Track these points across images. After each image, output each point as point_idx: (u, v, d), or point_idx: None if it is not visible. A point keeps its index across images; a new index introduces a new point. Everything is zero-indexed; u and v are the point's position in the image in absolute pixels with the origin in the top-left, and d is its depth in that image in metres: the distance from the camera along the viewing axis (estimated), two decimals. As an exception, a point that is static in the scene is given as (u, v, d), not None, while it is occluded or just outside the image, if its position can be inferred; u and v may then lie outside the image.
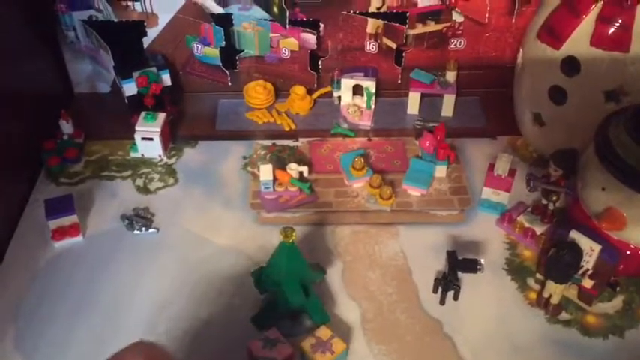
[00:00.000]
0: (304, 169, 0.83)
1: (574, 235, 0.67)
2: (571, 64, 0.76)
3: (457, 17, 0.91)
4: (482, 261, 0.69)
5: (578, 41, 0.74)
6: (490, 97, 0.96)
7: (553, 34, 0.76)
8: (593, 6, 0.73)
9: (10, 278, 0.73)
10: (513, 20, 0.91)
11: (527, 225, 0.77)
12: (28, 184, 0.84)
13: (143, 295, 0.72)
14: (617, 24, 0.72)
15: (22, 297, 0.71)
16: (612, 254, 0.67)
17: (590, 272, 0.68)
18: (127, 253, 0.76)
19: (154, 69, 0.92)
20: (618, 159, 0.66)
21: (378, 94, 0.95)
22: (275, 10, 0.87)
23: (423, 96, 0.95)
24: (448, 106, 0.94)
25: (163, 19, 0.92)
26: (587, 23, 0.73)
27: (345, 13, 0.91)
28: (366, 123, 0.94)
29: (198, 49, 0.94)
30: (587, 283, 0.67)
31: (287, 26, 0.89)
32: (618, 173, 0.66)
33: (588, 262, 0.67)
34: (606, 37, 0.72)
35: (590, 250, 0.66)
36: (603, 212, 0.68)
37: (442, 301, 0.70)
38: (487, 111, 0.96)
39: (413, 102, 0.94)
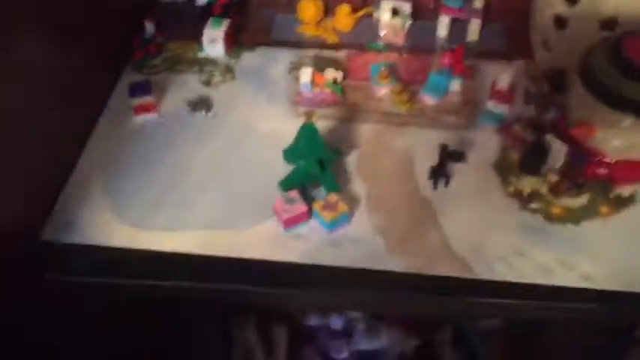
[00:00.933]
0: (339, 75, 0.99)
1: (548, 137, 0.80)
2: (572, -5, 0.87)
3: (486, -48, 1.02)
4: (464, 158, 0.84)
5: (580, -27, 0.85)
6: (514, 24, 1.05)
7: (559, -32, 0.87)
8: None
9: (101, 139, 0.94)
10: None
11: (519, 133, 0.90)
12: (118, 71, 1.03)
13: (199, 160, 0.90)
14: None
15: (109, 154, 0.91)
16: (579, 156, 0.80)
17: (559, 170, 0.81)
18: (190, 129, 0.95)
19: (223, -17, 1.10)
20: (596, 79, 0.78)
21: (413, 16, 1.08)
22: None
23: (453, 20, 1.07)
24: (474, 30, 1.05)
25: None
26: (587, -41, 0.84)
27: (387, -59, 1.04)
28: (399, 41, 1.07)
29: (261, -31, 1.10)
30: (552, 178, 0.80)
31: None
32: (594, 90, 0.78)
33: (558, 161, 0.80)
34: (603, -28, 0.83)
35: (559, 150, 0.80)
36: (578, 122, 0.80)
37: (434, 186, 0.86)
38: (509, 36, 1.06)
39: (442, 25, 1.06)
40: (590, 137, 0.78)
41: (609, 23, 0.84)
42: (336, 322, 1.32)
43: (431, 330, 1.31)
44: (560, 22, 0.88)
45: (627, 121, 0.76)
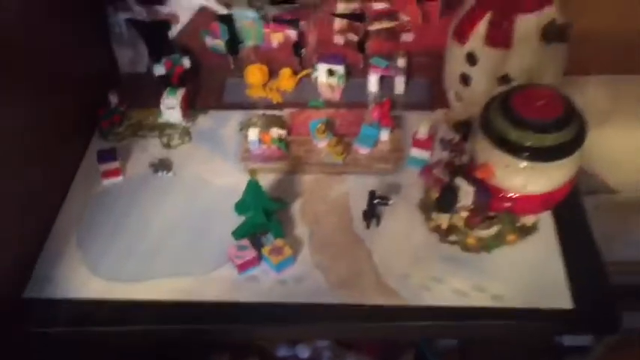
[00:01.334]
0: (283, 132, 1.12)
1: (457, 181, 0.94)
2: (472, 57, 1.02)
3: (404, 17, 1.17)
4: (391, 200, 0.97)
5: (476, 40, 1.00)
6: (435, 78, 1.19)
7: (460, 34, 1.02)
8: (486, 15, 0.98)
9: (74, 201, 1.05)
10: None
11: (438, 175, 1.03)
12: (87, 140, 1.15)
13: (161, 218, 1.02)
14: (502, 28, 0.97)
15: (81, 214, 1.03)
16: (483, 194, 0.94)
17: (470, 207, 0.95)
18: (153, 189, 1.07)
19: (178, 55, 1.21)
20: (490, 127, 0.92)
21: (347, 75, 1.23)
22: (262, 13, 1.16)
23: (381, 77, 1.21)
24: (399, 85, 1.20)
25: (184, 19, 1.20)
26: (481, 27, 0.99)
27: (318, 13, 1.18)
28: (336, 97, 1.21)
29: (209, 41, 1.23)
30: (464, 213, 0.94)
31: (270, 26, 1.18)
32: (490, 138, 0.92)
33: (466, 200, 0.94)
34: (494, 38, 0.98)
35: (467, 191, 0.94)
36: (480, 165, 0.94)
37: (367, 226, 0.99)
38: (432, 89, 1.20)
39: (372, 82, 1.20)
40: (491, 178, 0.92)
41: (504, 79, 0.99)
42: (303, 352, 1.43)
43: (395, 354, 1.43)
44: (465, 79, 1.04)
45: (522, 163, 0.90)
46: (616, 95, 1.38)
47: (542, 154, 0.87)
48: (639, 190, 1.48)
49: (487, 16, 0.97)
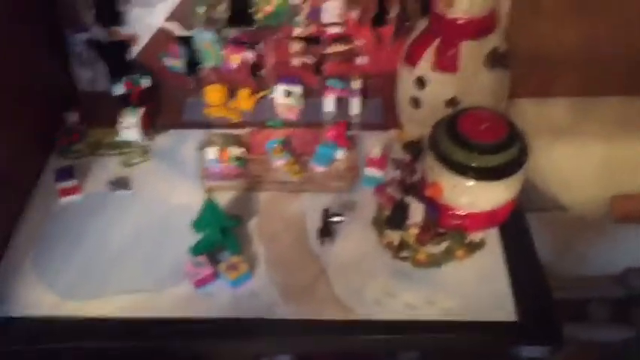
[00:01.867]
0: (241, 151, 1.14)
1: (407, 199, 0.98)
2: (421, 81, 1.07)
3: (359, 41, 1.22)
4: (344, 217, 1.00)
5: (425, 65, 1.05)
6: (389, 99, 1.24)
7: (410, 58, 1.07)
8: (434, 42, 1.04)
9: (30, 220, 1.06)
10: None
11: (391, 193, 1.07)
12: (44, 158, 1.16)
13: (119, 235, 1.03)
14: (449, 54, 1.03)
15: (37, 233, 1.03)
16: (433, 212, 0.98)
17: (420, 224, 0.99)
18: (110, 207, 1.08)
19: (137, 75, 1.23)
20: (438, 148, 0.97)
21: (303, 96, 1.26)
22: (220, 35, 1.19)
23: (336, 99, 1.25)
24: (355, 106, 1.24)
25: (143, 39, 1.22)
26: (430, 52, 1.04)
27: (275, 37, 1.22)
28: (293, 117, 1.25)
29: (168, 61, 1.26)
30: (413, 230, 0.98)
31: (228, 47, 1.21)
32: (438, 158, 0.96)
33: (417, 217, 0.98)
34: (442, 63, 1.03)
35: (417, 208, 0.98)
36: (429, 184, 0.98)
37: (322, 243, 1.02)
38: (386, 110, 1.24)
39: (328, 103, 1.24)
40: (440, 196, 0.96)
41: (452, 102, 1.04)
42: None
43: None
44: (415, 102, 1.08)
45: (469, 182, 0.94)
46: (577, 116, 1.45)
47: (487, 174, 0.92)
48: (588, 208, 1.54)
49: (435, 43, 1.03)
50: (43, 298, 0.94)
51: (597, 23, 1.29)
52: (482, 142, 0.92)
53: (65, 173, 1.09)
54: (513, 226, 1.02)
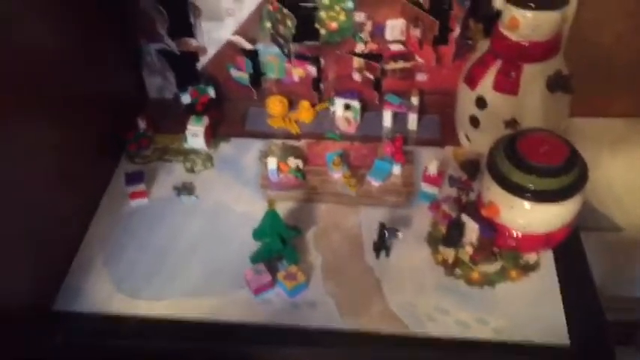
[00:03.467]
0: (300, 162, 1.18)
1: (463, 217, 1.00)
2: (481, 101, 1.08)
3: (419, 59, 1.24)
4: (400, 233, 1.02)
5: (486, 86, 1.06)
6: (446, 116, 1.26)
7: (471, 79, 1.08)
8: (496, 63, 1.05)
9: (101, 221, 1.12)
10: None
11: (446, 210, 1.09)
12: (115, 162, 1.22)
13: (184, 239, 1.08)
14: (511, 76, 1.04)
15: (109, 233, 1.09)
16: (488, 231, 0.99)
17: (475, 243, 1.00)
18: (175, 211, 1.13)
19: (203, 85, 1.29)
20: (496, 169, 0.98)
21: (362, 110, 1.29)
22: (285, 50, 1.23)
23: (395, 113, 1.28)
24: (412, 121, 1.26)
25: (211, 51, 1.28)
26: (491, 73, 1.06)
27: (338, 52, 1.25)
28: (351, 131, 1.28)
29: (234, 73, 1.30)
30: (469, 250, 0.99)
31: (292, 61, 1.25)
32: (495, 179, 0.98)
33: (472, 236, 1.00)
34: (503, 84, 1.04)
35: (473, 227, 0.99)
36: (486, 204, 1.00)
37: (377, 256, 1.04)
38: (443, 126, 1.26)
39: (386, 118, 1.27)
40: (496, 216, 0.98)
41: (511, 123, 1.05)
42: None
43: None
44: (474, 121, 1.10)
45: (526, 204, 0.95)
46: (633, 136, 1.43)
47: (545, 197, 0.93)
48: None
49: (497, 64, 1.04)
50: (111, 297, 1.00)
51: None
52: (541, 164, 0.93)
53: (135, 177, 1.15)
54: (569, 249, 1.03)
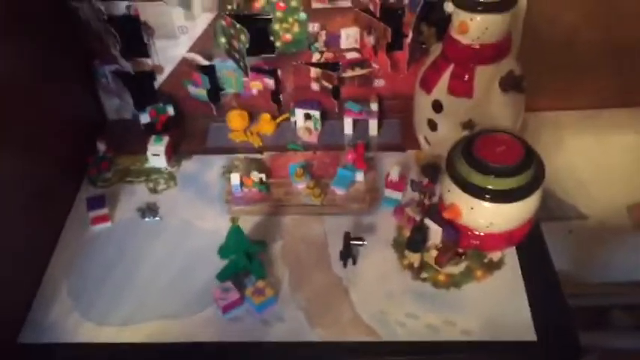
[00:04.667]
0: (263, 176, 1.18)
1: (426, 221, 1.01)
2: (438, 105, 1.09)
3: (375, 65, 1.25)
4: (366, 241, 1.03)
5: (441, 89, 1.08)
6: (406, 120, 1.27)
7: (426, 83, 1.10)
8: (449, 67, 1.06)
9: (64, 249, 1.10)
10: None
11: (410, 214, 1.10)
12: (76, 187, 1.20)
13: (149, 261, 1.07)
14: (464, 79, 1.05)
15: (72, 261, 1.08)
16: (451, 233, 1.00)
17: (439, 246, 1.02)
18: (140, 233, 1.12)
19: (161, 104, 1.28)
20: (455, 171, 0.99)
21: (323, 119, 1.30)
22: (241, 64, 1.23)
23: (355, 121, 1.29)
24: (373, 127, 1.27)
25: (167, 70, 1.27)
26: (445, 77, 1.07)
27: (295, 63, 1.26)
28: (313, 140, 1.28)
29: (192, 90, 1.30)
30: (432, 252, 1.01)
31: (249, 75, 1.24)
32: (455, 181, 0.99)
33: (435, 238, 1.01)
34: (457, 87, 1.06)
35: (436, 230, 1.00)
36: (447, 206, 1.01)
37: (344, 265, 1.05)
38: (403, 131, 1.27)
39: (347, 125, 1.28)
40: (458, 218, 0.99)
41: (468, 125, 1.06)
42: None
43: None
44: (432, 124, 1.11)
45: (486, 204, 0.97)
46: (596, 126, 1.47)
47: (504, 197, 0.94)
48: (608, 215, 1.56)
49: (450, 68, 1.05)
50: (79, 325, 0.98)
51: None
52: (499, 164, 0.94)
53: (96, 201, 1.14)
54: (531, 245, 1.04)
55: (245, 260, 1.02)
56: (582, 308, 1.64)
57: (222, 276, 1.02)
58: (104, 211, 1.13)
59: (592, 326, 1.63)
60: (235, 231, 1.00)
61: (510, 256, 1.05)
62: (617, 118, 1.46)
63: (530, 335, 0.94)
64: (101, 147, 1.24)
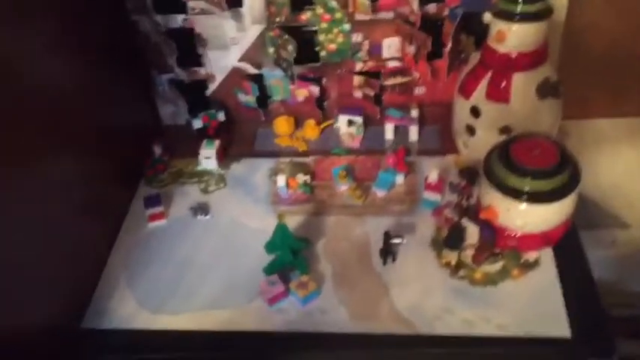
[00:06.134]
0: (308, 178, 1.24)
1: (464, 221, 1.05)
2: (475, 110, 1.13)
3: (416, 74, 1.31)
4: (405, 239, 1.07)
5: (479, 95, 1.12)
6: (445, 126, 1.31)
7: (464, 89, 1.14)
8: (487, 74, 1.10)
9: (123, 243, 1.19)
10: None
11: (448, 215, 1.14)
12: (134, 187, 1.29)
13: (201, 256, 1.14)
14: (502, 85, 1.09)
15: (130, 255, 1.16)
16: (488, 233, 1.04)
17: (476, 245, 1.05)
18: (192, 230, 1.19)
19: (214, 110, 1.36)
20: (493, 174, 1.03)
21: (365, 125, 1.36)
22: (288, 73, 1.30)
23: (396, 127, 1.34)
24: (413, 133, 1.32)
25: (219, 78, 1.36)
26: (483, 84, 1.11)
27: (339, 72, 1.32)
28: (355, 145, 1.34)
29: (242, 97, 1.38)
30: (470, 251, 1.04)
31: (295, 83, 1.32)
32: (492, 183, 1.03)
33: (473, 238, 1.05)
34: (494, 94, 1.10)
35: (473, 230, 1.04)
36: (485, 207, 1.05)
37: (384, 263, 1.10)
38: (443, 136, 1.32)
39: (388, 131, 1.33)
40: (495, 219, 1.03)
41: (505, 130, 1.10)
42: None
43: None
44: (470, 129, 1.15)
45: (522, 206, 1.00)
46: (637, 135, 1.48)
47: (540, 198, 0.98)
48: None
49: (488, 75, 1.10)
50: (136, 314, 1.06)
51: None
52: (534, 167, 0.98)
53: (153, 200, 1.22)
54: (567, 246, 1.07)
55: (290, 256, 1.08)
56: (625, 318, 1.64)
57: (268, 270, 1.09)
58: (160, 209, 1.21)
59: (632, 336, 1.63)
60: (281, 228, 1.06)
61: (546, 256, 1.08)
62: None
63: (565, 332, 0.97)
64: (157, 150, 1.33)
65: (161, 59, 1.32)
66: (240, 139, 1.39)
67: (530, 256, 1.07)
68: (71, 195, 1.07)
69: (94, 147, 1.15)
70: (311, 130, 1.36)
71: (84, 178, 1.11)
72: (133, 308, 1.07)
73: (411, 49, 1.26)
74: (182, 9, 1.26)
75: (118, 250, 1.18)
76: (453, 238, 1.05)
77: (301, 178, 1.23)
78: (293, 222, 1.17)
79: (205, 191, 1.27)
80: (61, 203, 1.03)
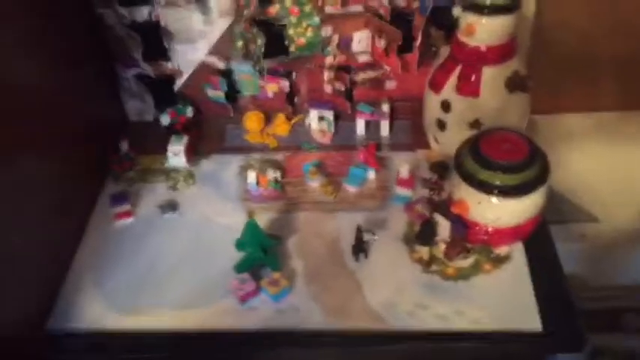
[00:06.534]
0: (278, 174, 1.23)
1: (435, 216, 1.05)
2: (446, 105, 1.13)
3: (386, 68, 1.30)
4: (377, 235, 1.07)
5: (449, 90, 1.12)
6: (416, 121, 1.31)
7: (435, 84, 1.14)
8: (457, 68, 1.10)
9: (89, 242, 1.15)
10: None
11: (420, 211, 1.14)
12: (101, 184, 1.26)
13: (170, 255, 1.12)
14: (471, 79, 1.09)
15: (97, 254, 1.13)
16: (460, 228, 1.04)
17: (447, 240, 1.05)
18: (160, 228, 1.17)
19: (181, 105, 1.33)
20: (463, 168, 1.03)
21: (336, 120, 1.34)
22: (257, 67, 1.28)
23: (367, 122, 1.33)
24: (384, 128, 1.31)
25: (187, 73, 1.33)
26: (453, 78, 1.11)
27: (309, 66, 1.31)
28: (326, 141, 1.33)
29: (210, 92, 1.35)
30: (441, 246, 1.04)
31: (265, 77, 1.30)
32: (463, 177, 1.03)
33: (444, 233, 1.05)
34: (464, 88, 1.10)
35: (445, 225, 1.04)
36: (456, 201, 1.05)
37: (356, 259, 1.09)
38: (413, 131, 1.31)
39: (359, 126, 1.32)
40: (466, 213, 1.03)
41: (475, 124, 1.10)
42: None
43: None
44: (441, 124, 1.15)
45: (493, 200, 1.00)
46: (607, 128, 1.50)
47: (510, 192, 0.98)
48: (620, 218, 1.58)
49: (458, 69, 1.10)
50: (104, 314, 1.03)
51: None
52: (505, 161, 0.98)
53: (120, 198, 1.19)
54: (538, 240, 1.08)
55: (261, 253, 1.06)
56: (596, 311, 1.66)
57: (239, 268, 1.07)
58: (127, 207, 1.18)
59: (605, 329, 1.65)
60: (251, 225, 1.05)
61: (518, 251, 1.08)
62: (631, 122, 1.48)
63: (536, 325, 0.97)
64: (124, 147, 1.30)
65: (126, 53, 1.29)
66: (209, 135, 1.36)
67: (502, 250, 1.08)
68: (34, 193, 1.03)
69: (58, 144, 1.12)
70: (281, 125, 1.34)
71: (48, 177, 1.07)
72: (100, 309, 1.04)
73: (381, 43, 1.26)
74: (147, 1, 1.23)
75: (84, 249, 1.15)
76: (424, 234, 1.04)
77: (271, 174, 1.21)
78: (264, 219, 1.15)
79: (174, 188, 1.25)
80: (24, 202, 1.00)
